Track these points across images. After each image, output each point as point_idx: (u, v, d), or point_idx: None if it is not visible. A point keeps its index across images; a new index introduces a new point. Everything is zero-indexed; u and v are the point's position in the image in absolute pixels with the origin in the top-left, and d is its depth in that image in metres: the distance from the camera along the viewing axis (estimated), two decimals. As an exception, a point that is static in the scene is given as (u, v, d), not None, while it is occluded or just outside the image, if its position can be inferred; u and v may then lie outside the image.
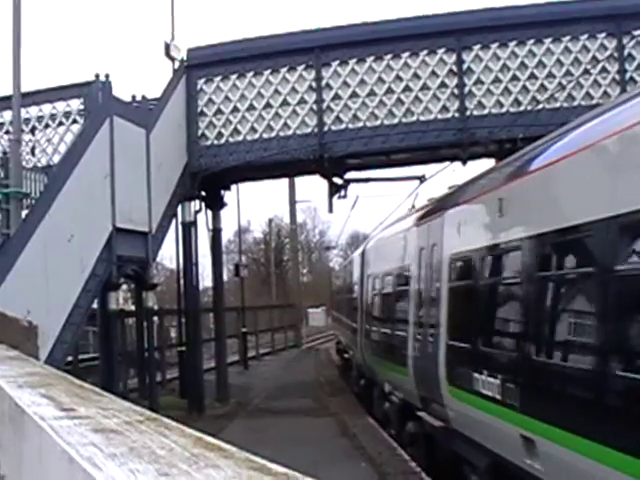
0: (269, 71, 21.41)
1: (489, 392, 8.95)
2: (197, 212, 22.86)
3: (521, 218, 8.77)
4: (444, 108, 20.46)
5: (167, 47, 22.03)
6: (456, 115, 20.38)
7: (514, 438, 8.04)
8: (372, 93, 20.73)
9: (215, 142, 21.82)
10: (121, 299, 23.35)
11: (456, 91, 20.36)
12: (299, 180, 52.19)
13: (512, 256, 8.91)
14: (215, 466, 1.50)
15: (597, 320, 6.63)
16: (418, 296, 13.66)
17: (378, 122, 20.69)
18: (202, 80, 21.94)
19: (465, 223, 11.12)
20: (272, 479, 1.40)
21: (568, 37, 19.73)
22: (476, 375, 9.51)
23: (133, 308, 24.24)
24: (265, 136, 21.36)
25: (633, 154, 6.17)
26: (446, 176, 20.21)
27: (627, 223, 6.01)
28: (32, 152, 20.11)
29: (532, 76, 19.97)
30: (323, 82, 21.05)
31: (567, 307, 7.76)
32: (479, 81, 20.27)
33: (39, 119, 20.26)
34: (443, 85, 20.45)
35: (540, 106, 19.47)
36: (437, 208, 13.29)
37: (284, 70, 21.33)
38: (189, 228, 22.34)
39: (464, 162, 20.84)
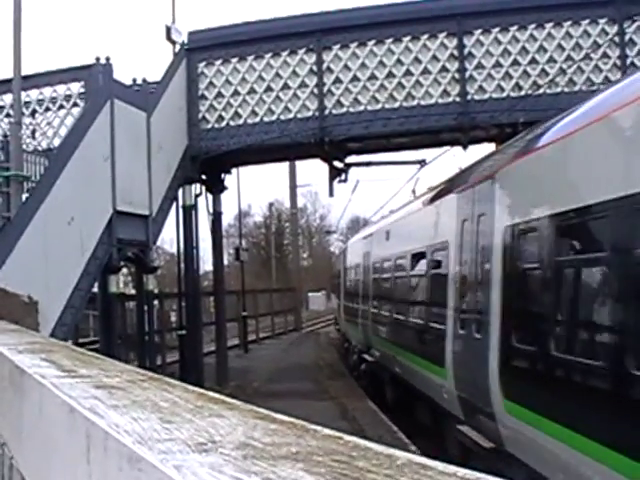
0: (270, 54, 21.40)
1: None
2: (197, 195, 22.91)
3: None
4: (445, 92, 20.46)
5: (168, 30, 21.99)
6: (457, 99, 20.39)
7: None
8: (373, 77, 20.73)
9: (216, 125, 21.85)
10: (121, 283, 23.41)
11: (457, 75, 20.35)
12: (300, 164, 52.24)
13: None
14: (219, 415, 1.56)
15: None
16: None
17: (379, 106, 20.70)
18: (203, 63, 21.93)
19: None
20: (278, 426, 1.45)
21: (569, 22, 19.70)
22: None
23: (133, 292, 24.27)
24: (266, 119, 21.38)
25: None
26: (446, 160, 20.17)
27: None
28: (33, 135, 20.09)
29: (533, 61, 19.96)
30: (324, 66, 21.05)
31: None
32: (480, 65, 20.26)
33: (40, 102, 20.24)
34: (444, 69, 20.44)
35: (541, 91, 19.48)
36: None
37: (285, 54, 21.32)
38: (189, 211, 22.38)
39: (465, 146, 20.90)
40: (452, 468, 1.12)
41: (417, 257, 14.66)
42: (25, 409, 2.45)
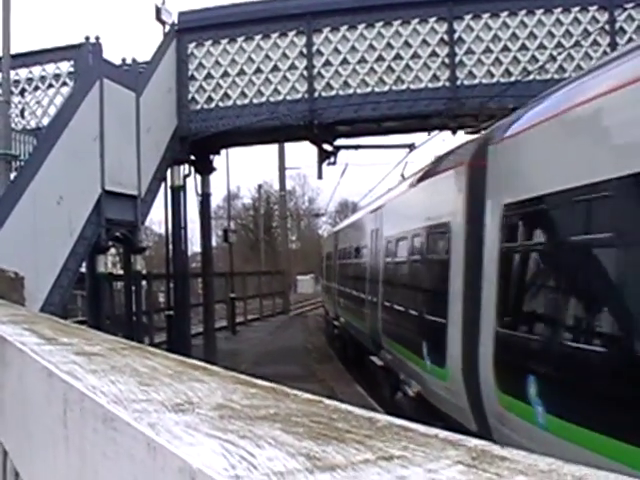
0: (260, 36, 21.29)
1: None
2: (186, 176, 22.85)
3: None
4: (434, 77, 20.42)
5: (158, 11, 21.83)
6: (446, 84, 20.36)
7: None
8: (363, 60, 20.66)
9: (205, 106, 21.75)
10: (109, 263, 23.34)
11: (447, 60, 20.32)
12: (289, 146, 52.19)
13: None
14: (199, 380, 1.54)
15: None
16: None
17: (368, 89, 20.66)
18: (193, 44, 21.81)
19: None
20: (258, 390, 1.43)
21: (560, 9, 19.65)
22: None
23: (121, 272, 24.23)
24: (255, 101, 21.29)
25: None
26: (435, 145, 20.11)
27: None
28: (21, 114, 19.99)
29: (523, 47, 19.93)
30: (314, 48, 20.97)
31: None
32: (470, 51, 20.22)
33: (29, 81, 20.13)
34: (434, 54, 20.39)
35: (531, 77, 19.42)
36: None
37: (275, 36, 21.22)
38: (178, 192, 22.33)
39: (454, 131, 20.82)
40: (433, 430, 1.10)
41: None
42: (6, 378, 2.43)
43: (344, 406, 1.27)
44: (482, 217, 8.59)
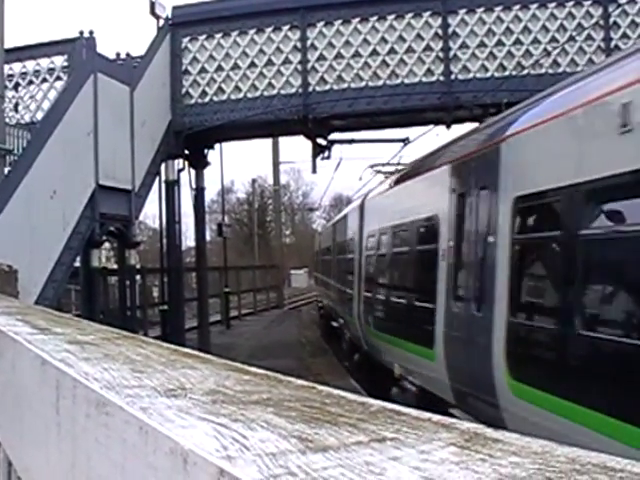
0: (254, 30, 21.25)
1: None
2: (180, 171, 22.81)
3: None
4: (429, 71, 20.41)
5: (152, 5, 21.76)
6: (441, 79, 20.34)
7: None
8: (357, 54, 20.64)
9: (199, 101, 21.71)
10: (104, 257, 23.31)
11: (441, 55, 20.30)
12: (283, 141, 52.18)
13: None
14: (192, 367, 1.54)
15: None
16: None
17: (363, 84, 20.64)
18: (187, 38, 21.76)
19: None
20: (251, 377, 1.43)
21: (554, 3, 19.65)
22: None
23: (116, 267, 24.21)
24: (249, 95, 21.26)
25: None
26: (430, 139, 20.10)
27: None
28: (15, 109, 19.93)
29: (517, 41, 19.92)
30: (308, 42, 20.94)
31: None
32: (464, 45, 20.21)
33: (22, 75, 20.07)
34: (428, 48, 20.38)
35: (525, 72, 19.45)
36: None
37: (269, 30, 21.19)
38: (172, 187, 22.29)
39: (448, 126, 20.83)
40: (426, 414, 1.10)
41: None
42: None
43: (337, 391, 1.27)
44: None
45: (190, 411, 1.04)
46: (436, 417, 1.08)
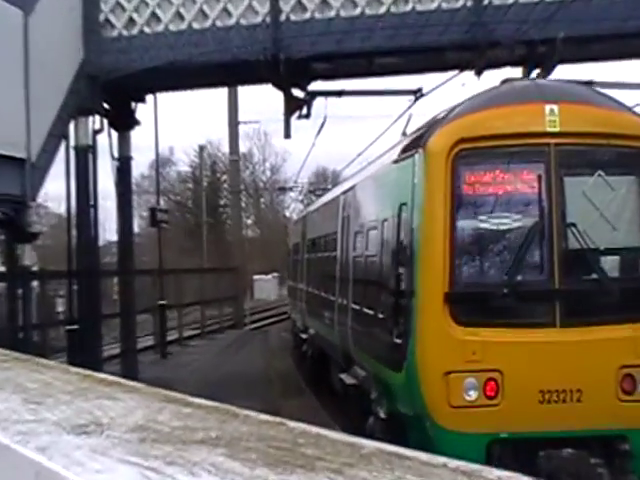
0: None
1: None
2: (97, 132, 22.74)
3: None
4: (451, -7, 20.39)
5: None
6: (468, 4, 20.25)
7: None
8: (350, -32, 20.60)
9: (124, 33, 21.59)
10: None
11: (470, -32, 20.27)
12: (244, 92, 52.00)
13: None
14: (112, 398, 1.56)
15: None
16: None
17: (357, 11, 20.55)
18: (106, -56, 21.70)
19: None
20: (195, 410, 1.47)
21: None
22: None
23: (2, 269, 24.14)
24: (196, 26, 21.17)
25: None
26: (453, 91, 20.06)
27: None
28: None
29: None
30: (280, -49, 20.91)
31: None
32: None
33: None
34: (451, -42, 20.36)
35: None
36: None
37: None
38: (85, 155, 22.22)
39: (479, 72, 20.66)
40: (439, 459, 1.12)
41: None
42: None
43: (315, 429, 1.29)
44: None
45: (108, 452, 1.06)
46: (453, 463, 1.09)
